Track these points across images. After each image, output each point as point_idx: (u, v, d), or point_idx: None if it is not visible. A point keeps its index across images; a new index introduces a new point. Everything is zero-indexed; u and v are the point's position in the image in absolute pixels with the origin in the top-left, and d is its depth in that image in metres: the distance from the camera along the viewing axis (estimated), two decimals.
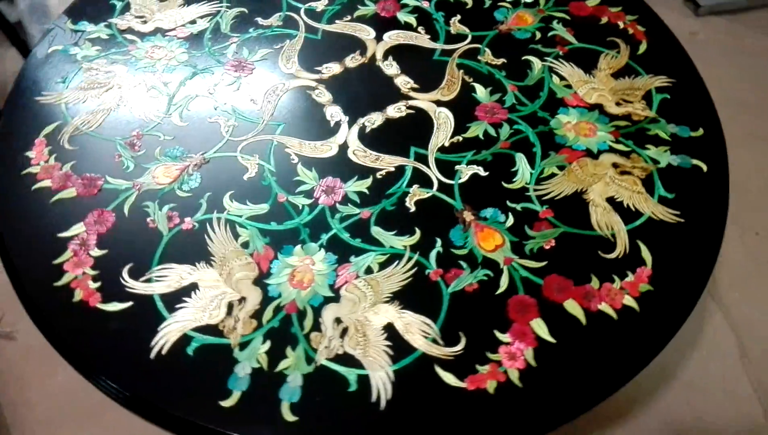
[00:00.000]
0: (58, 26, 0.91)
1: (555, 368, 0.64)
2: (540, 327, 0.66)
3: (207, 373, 0.63)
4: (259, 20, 0.94)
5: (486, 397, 0.62)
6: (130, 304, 0.66)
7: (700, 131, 0.83)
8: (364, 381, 0.63)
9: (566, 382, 0.63)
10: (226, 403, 0.61)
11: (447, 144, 0.81)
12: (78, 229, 0.71)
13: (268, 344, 0.64)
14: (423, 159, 0.80)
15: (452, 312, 0.67)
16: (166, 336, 0.64)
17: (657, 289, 0.69)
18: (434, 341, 0.65)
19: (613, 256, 0.72)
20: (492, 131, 0.83)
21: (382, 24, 0.95)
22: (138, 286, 0.67)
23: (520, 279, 0.70)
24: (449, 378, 0.63)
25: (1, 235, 0.70)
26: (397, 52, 0.91)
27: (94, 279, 0.68)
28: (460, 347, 0.65)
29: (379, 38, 0.93)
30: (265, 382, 0.62)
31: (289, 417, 0.60)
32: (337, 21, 0.95)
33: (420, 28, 0.94)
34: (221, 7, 0.95)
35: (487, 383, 0.63)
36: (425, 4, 0.97)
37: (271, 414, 0.60)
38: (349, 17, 0.95)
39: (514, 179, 0.78)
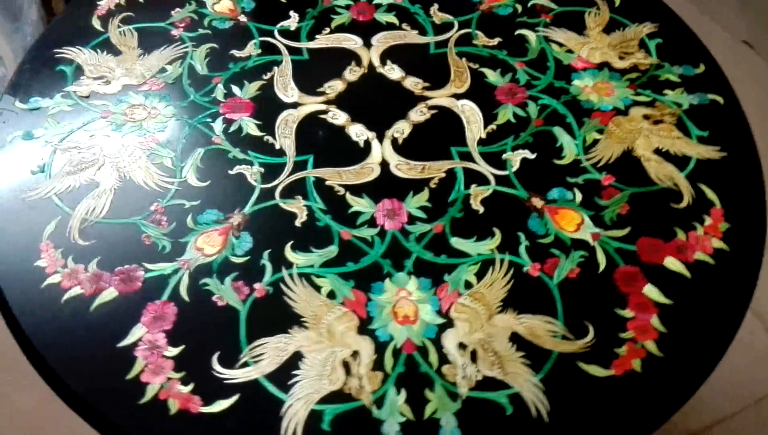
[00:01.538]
0: (7, 109, 0.77)
1: (683, 329, 0.63)
2: (653, 292, 0.66)
3: None
4: (235, 53, 0.85)
5: (637, 377, 0.60)
6: (236, 396, 0.58)
7: (702, 67, 0.85)
8: (516, 399, 0.59)
9: (696, 336, 0.63)
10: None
11: (484, 135, 0.78)
12: (138, 332, 0.61)
13: (403, 393, 0.59)
14: (467, 156, 0.76)
15: (567, 302, 0.65)
16: (293, 419, 0.57)
17: (734, 226, 0.71)
18: (564, 337, 0.62)
19: (683, 204, 0.72)
20: (520, 112, 0.81)
21: (363, 29, 0.89)
22: (237, 374, 0.59)
23: (614, 251, 0.69)
24: (596, 370, 0.61)
25: (53, 371, 0.58)
26: (392, 54, 0.86)
27: (183, 382, 0.58)
28: (591, 336, 0.63)
29: (367, 44, 0.87)
30: (419, 433, 0.57)
31: None
32: (317, 36, 0.88)
33: (404, 25, 0.90)
34: (186, 48, 0.85)
35: (632, 363, 0.61)
36: (398, 0, 0.93)
37: None
38: (327, 29, 0.89)
39: (562, 154, 0.77)
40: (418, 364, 0.61)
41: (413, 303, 0.64)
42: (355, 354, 0.61)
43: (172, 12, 0.89)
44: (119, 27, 0.87)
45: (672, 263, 0.68)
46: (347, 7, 0.92)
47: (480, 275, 0.66)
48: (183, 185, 0.72)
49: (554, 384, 0.60)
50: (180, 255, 0.66)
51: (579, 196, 0.73)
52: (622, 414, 0.59)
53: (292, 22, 0.89)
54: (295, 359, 0.60)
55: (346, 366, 0.60)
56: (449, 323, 0.63)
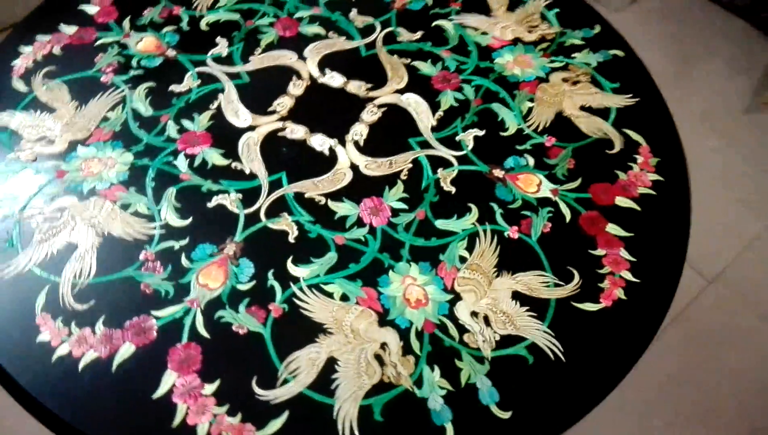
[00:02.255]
0: None
1: (647, 253, 0.73)
2: (615, 229, 0.75)
3: (409, 424, 0.60)
4: (175, 88, 0.85)
5: (624, 303, 0.69)
6: (286, 413, 0.60)
7: (598, 28, 0.97)
8: (534, 349, 0.66)
9: (662, 253, 0.73)
10: None
11: (434, 123, 0.84)
12: (169, 379, 0.61)
13: (437, 369, 0.64)
14: (426, 145, 0.82)
15: (549, 254, 0.73)
16: (346, 418, 0.60)
17: (662, 158, 0.82)
18: (556, 285, 0.70)
19: (616, 149, 0.83)
20: (459, 96, 0.87)
21: (293, 43, 0.92)
22: (281, 393, 0.61)
23: (573, 201, 0.77)
24: (589, 306, 0.69)
25: None
26: (327, 62, 0.90)
27: (231, 413, 0.59)
28: (577, 278, 0.71)
29: (302, 57, 0.90)
30: (465, 400, 0.62)
31: (504, 414, 0.61)
32: (250, 58, 0.89)
33: (331, 33, 0.93)
34: (122, 91, 0.83)
35: (616, 293, 0.70)
36: (316, 11, 0.96)
37: (490, 420, 0.61)
38: (259, 49, 0.90)
39: (506, 126, 0.84)
40: (441, 339, 0.66)
41: (420, 287, 0.69)
42: (383, 346, 0.65)
43: (95, 59, 0.87)
44: (44, 83, 0.83)
45: (622, 201, 0.78)
46: (271, 25, 0.94)
47: (470, 248, 0.72)
48: (165, 227, 0.71)
49: (560, 327, 0.67)
50: (186, 295, 0.67)
51: (531, 160, 0.81)
52: (620, 336, 0.67)
53: (222, 48, 0.90)
54: (330, 364, 0.63)
55: (379, 358, 0.64)
56: (457, 297, 0.69)
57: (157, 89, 0.84)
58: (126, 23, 0.91)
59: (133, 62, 0.87)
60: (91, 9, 0.93)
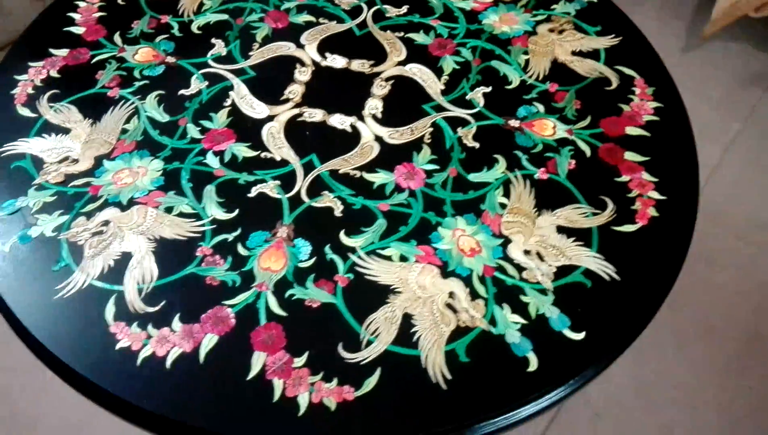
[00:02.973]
0: None
1: (665, 171, 0.79)
2: (632, 156, 0.80)
3: (494, 359, 0.63)
4: (185, 92, 0.85)
5: (657, 220, 0.74)
6: (379, 370, 0.62)
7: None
8: (588, 274, 0.70)
9: (678, 170, 0.79)
10: (531, 369, 0.63)
11: (442, 87, 0.87)
12: (259, 359, 0.62)
13: (506, 307, 0.67)
14: (440, 108, 0.85)
15: (579, 187, 0.77)
16: (435, 365, 0.62)
17: (657, 87, 0.88)
18: (594, 214, 0.74)
19: (614, 85, 0.88)
20: (458, 58, 0.91)
21: (286, 34, 0.93)
22: (368, 353, 0.63)
23: (588, 137, 0.82)
24: (628, 228, 0.74)
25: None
26: (325, 47, 0.92)
27: (326, 379, 0.61)
28: (611, 205, 0.75)
29: (299, 45, 0.92)
30: (539, 330, 0.65)
31: (578, 335, 0.65)
32: (250, 53, 0.90)
33: (321, 19, 0.95)
34: (133, 103, 0.83)
35: (649, 212, 0.75)
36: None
37: (566, 343, 0.64)
38: (256, 44, 0.92)
39: (509, 80, 0.88)
40: (503, 280, 0.69)
41: (471, 237, 0.72)
42: (451, 295, 0.68)
43: (96, 76, 0.86)
44: (51, 106, 0.82)
45: (632, 130, 0.83)
46: (261, 20, 0.95)
47: (507, 195, 0.76)
48: (215, 222, 0.72)
49: (606, 251, 0.72)
50: (252, 281, 0.68)
51: (541, 107, 0.85)
52: (662, 249, 0.72)
53: (220, 48, 0.91)
54: (407, 320, 0.66)
55: (450, 307, 0.67)
56: (507, 240, 0.72)
57: (167, 95, 0.84)
58: (117, 38, 0.91)
59: (136, 73, 0.87)
60: (77, 30, 0.92)
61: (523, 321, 0.66)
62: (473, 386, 0.62)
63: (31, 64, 0.87)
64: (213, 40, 0.92)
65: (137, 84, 0.85)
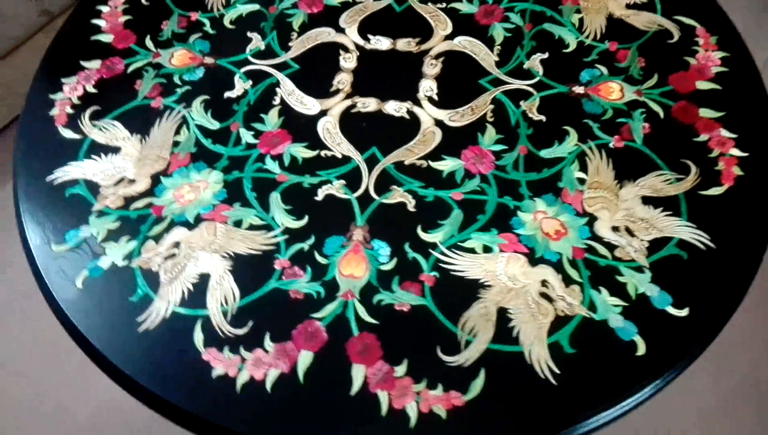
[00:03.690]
0: (48, 257, 0.69)
1: (743, 125, 0.75)
2: (707, 112, 0.76)
3: (600, 347, 0.61)
4: (230, 94, 0.81)
5: (743, 179, 0.71)
6: (483, 371, 0.60)
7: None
8: (682, 245, 0.67)
9: (756, 121, 0.75)
10: (639, 353, 0.61)
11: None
12: (359, 372, 0.60)
13: (603, 290, 0.64)
14: (497, 82, 0.81)
15: (658, 152, 0.73)
16: (539, 359, 0.60)
17: (720, 35, 0.83)
18: (678, 180, 0.71)
19: (676, 38, 0.83)
20: (508, 25, 0.86)
21: (323, 19, 0.88)
22: (469, 354, 0.61)
23: (658, 96, 0.78)
24: (715, 191, 0.70)
25: None
26: (366, 28, 0.87)
27: (431, 387, 0.59)
28: (694, 169, 0.72)
29: (340, 30, 0.87)
30: (641, 310, 0.63)
31: (682, 312, 0.63)
32: (290, 44, 0.86)
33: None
34: (179, 111, 0.79)
35: (733, 171, 0.72)
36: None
37: (671, 321, 0.62)
38: (294, 34, 0.87)
39: (566, 43, 0.84)
40: (595, 261, 0.66)
41: (553, 218, 0.69)
42: (544, 283, 0.65)
43: (135, 86, 0.82)
44: (95, 125, 0.79)
45: (702, 84, 0.79)
46: (295, 6, 0.90)
47: (584, 168, 0.73)
48: (287, 232, 0.69)
49: (697, 218, 0.68)
50: (336, 290, 0.65)
51: (604, 69, 0.81)
52: (752, 210, 0.69)
53: (258, 42, 0.86)
54: (502, 315, 0.63)
55: (545, 296, 0.64)
56: (592, 218, 0.69)
57: (213, 100, 0.81)
58: (149, 42, 0.86)
59: (176, 79, 0.83)
60: (105, 37, 0.88)
61: (623, 303, 0.63)
62: (583, 378, 0.60)
63: (63, 80, 0.83)
64: (249, 34, 0.87)
65: (179, 91, 0.82)
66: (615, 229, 0.68)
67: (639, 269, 0.65)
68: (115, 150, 0.77)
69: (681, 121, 0.76)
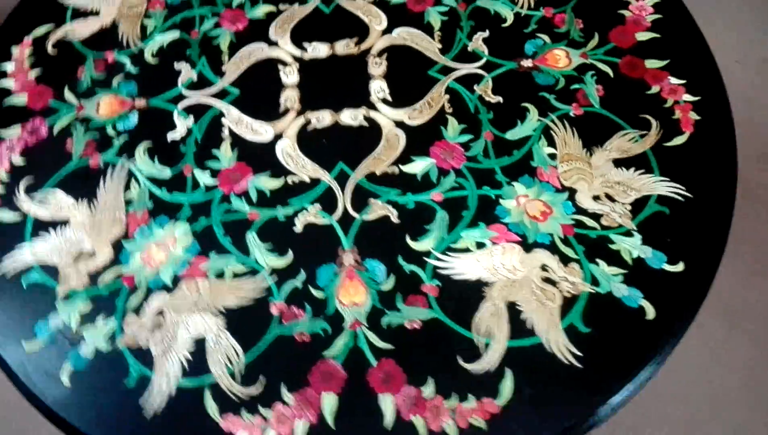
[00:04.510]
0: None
1: (687, 70, 0.77)
2: (652, 63, 0.78)
3: (613, 319, 0.62)
4: (173, 135, 0.75)
5: (701, 123, 0.73)
6: (509, 372, 0.60)
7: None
8: (663, 200, 0.68)
9: (697, 64, 0.77)
10: (649, 317, 0.62)
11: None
12: (388, 403, 0.59)
13: (601, 262, 0.65)
14: (446, 69, 0.79)
15: (615, 112, 0.75)
16: (558, 344, 0.61)
17: None
18: (641, 136, 0.72)
19: None
20: (442, 8, 0.84)
21: (251, 34, 0.83)
22: (490, 358, 0.60)
23: (603, 55, 0.79)
24: (678, 140, 0.72)
25: None
26: (299, 35, 0.83)
27: (463, 400, 0.58)
28: (654, 123, 0.73)
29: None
30: (640, 274, 0.64)
31: (678, 267, 0.64)
32: (223, 68, 0.80)
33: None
34: (122, 166, 0.73)
35: (690, 117, 0.74)
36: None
37: (671, 279, 0.64)
38: (225, 56, 0.81)
39: (504, 17, 0.83)
40: (585, 235, 0.67)
41: (536, 200, 0.69)
42: (544, 267, 0.65)
43: (67, 147, 0.74)
44: (33, 198, 0.71)
45: (642, 35, 0.80)
46: (218, 25, 0.84)
47: (551, 143, 0.73)
48: (274, 272, 0.66)
49: (669, 170, 0.70)
50: (342, 322, 0.63)
51: (546, 38, 0.81)
52: (716, 152, 0.72)
53: (188, 72, 0.80)
54: (513, 309, 0.63)
55: (548, 280, 0.65)
56: (572, 191, 0.70)
57: (156, 146, 0.75)
58: (69, 95, 0.79)
59: (109, 131, 0.76)
60: (19, 99, 0.79)
61: (622, 271, 0.65)
62: (605, 353, 0.61)
63: None
64: (176, 66, 0.81)
65: (116, 143, 0.75)
66: (596, 198, 0.69)
67: (628, 234, 0.67)
68: (63, 222, 0.70)
69: (631, 77, 0.77)
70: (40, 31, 0.85)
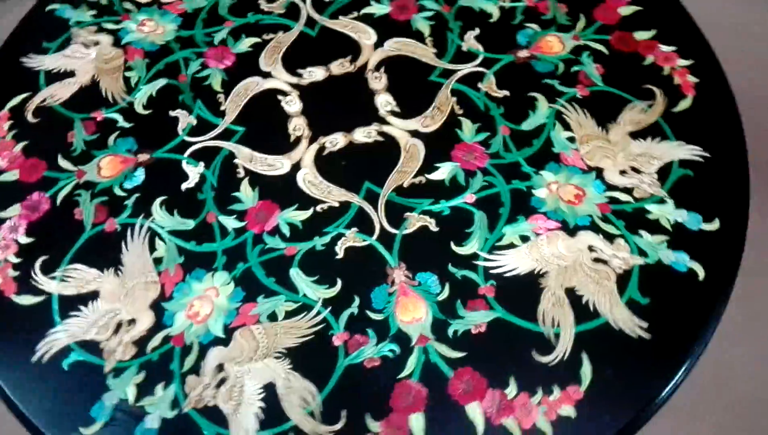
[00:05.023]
0: None
1: (676, 36, 0.79)
2: (641, 34, 0.80)
3: (668, 286, 0.63)
4: (187, 185, 0.73)
5: (701, 85, 0.76)
6: (585, 356, 0.60)
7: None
8: (684, 164, 0.71)
9: (687, 29, 0.80)
10: (701, 277, 0.63)
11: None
12: (476, 410, 0.58)
13: (643, 232, 0.66)
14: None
15: (619, 86, 0.76)
16: (624, 320, 0.62)
17: None
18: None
19: None
20: (427, 14, 0.84)
21: (242, 69, 0.81)
22: (563, 345, 0.61)
23: (593, 34, 0.80)
24: (684, 104, 0.75)
25: None
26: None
27: (547, 392, 0.58)
28: (656, 90, 0.75)
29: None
30: (681, 239, 0.66)
31: (713, 226, 0.66)
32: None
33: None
34: (141, 226, 0.70)
35: (688, 80, 0.76)
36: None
37: (710, 238, 0.66)
38: (221, 96, 0.79)
39: (489, 12, 0.84)
40: (622, 210, 0.68)
41: (567, 184, 0.70)
42: (591, 248, 0.66)
43: (76, 217, 0.71)
44: (53, 278, 0.67)
45: (625, 10, 0.83)
46: (204, 66, 0.82)
47: (566, 127, 0.74)
48: (327, 304, 0.64)
49: (683, 134, 0.72)
50: (409, 341, 0.62)
51: (535, 26, 0.82)
52: (720, 111, 0.74)
53: (187, 118, 0.77)
54: (572, 295, 0.64)
55: (599, 260, 0.65)
56: (598, 169, 0.71)
57: (171, 198, 0.72)
58: (64, 163, 0.75)
59: (117, 192, 0.73)
60: (10, 175, 0.74)
61: (665, 238, 0.66)
62: (669, 319, 0.62)
63: None
64: (172, 113, 0.78)
65: (128, 203, 0.72)
66: (623, 172, 0.71)
67: (661, 201, 0.68)
68: (93, 295, 0.66)
69: (624, 51, 0.79)
70: (15, 101, 0.80)
